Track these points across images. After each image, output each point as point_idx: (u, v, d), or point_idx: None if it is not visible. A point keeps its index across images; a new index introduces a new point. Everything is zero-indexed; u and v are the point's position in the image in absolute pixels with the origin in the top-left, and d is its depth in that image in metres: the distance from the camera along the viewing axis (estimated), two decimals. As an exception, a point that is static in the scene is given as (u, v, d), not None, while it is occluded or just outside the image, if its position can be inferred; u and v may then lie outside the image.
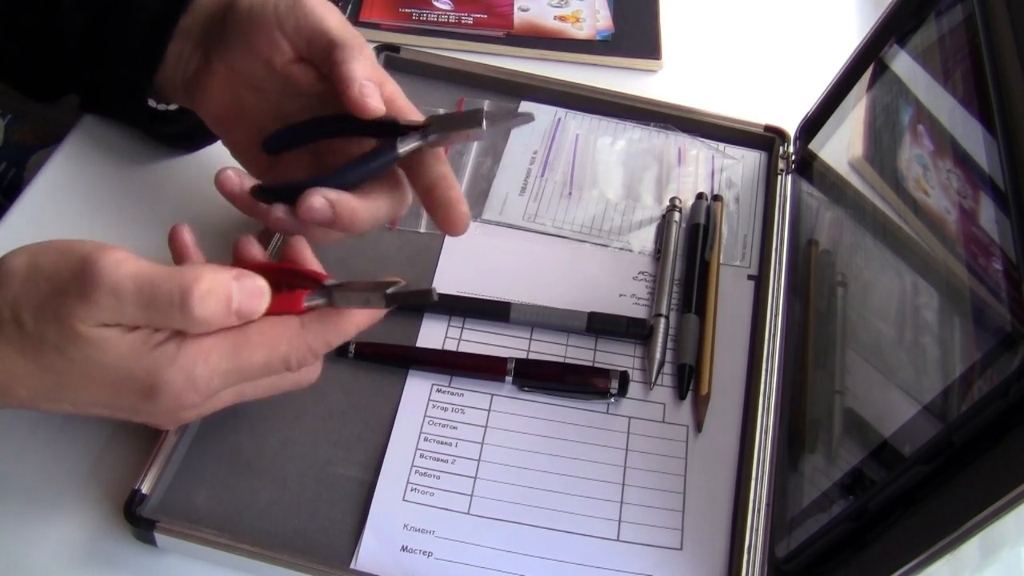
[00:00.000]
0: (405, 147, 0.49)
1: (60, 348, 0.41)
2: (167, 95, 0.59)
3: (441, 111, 0.70)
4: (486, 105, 0.49)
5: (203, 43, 0.55)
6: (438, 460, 0.53)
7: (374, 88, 0.48)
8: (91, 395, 0.43)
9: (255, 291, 0.43)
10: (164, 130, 0.63)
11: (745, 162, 0.70)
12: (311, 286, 0.47)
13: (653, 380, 0.57)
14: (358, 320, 0.46)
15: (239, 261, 0.50)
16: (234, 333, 0.43)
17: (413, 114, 0.52)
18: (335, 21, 0.51)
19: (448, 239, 0.63)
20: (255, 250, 0.50)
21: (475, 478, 0.53)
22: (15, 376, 0.41)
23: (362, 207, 0.48)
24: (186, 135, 0.63)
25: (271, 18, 0.51)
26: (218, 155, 0.58)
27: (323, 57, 0.50)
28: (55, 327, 0.40)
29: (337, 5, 0.78)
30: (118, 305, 0.40)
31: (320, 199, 0.47)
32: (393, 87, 0.53)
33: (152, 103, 0.61)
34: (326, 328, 0.45)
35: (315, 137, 0.53)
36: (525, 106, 0.71)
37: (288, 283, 0.48)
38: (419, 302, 0.47)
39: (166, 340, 0.42)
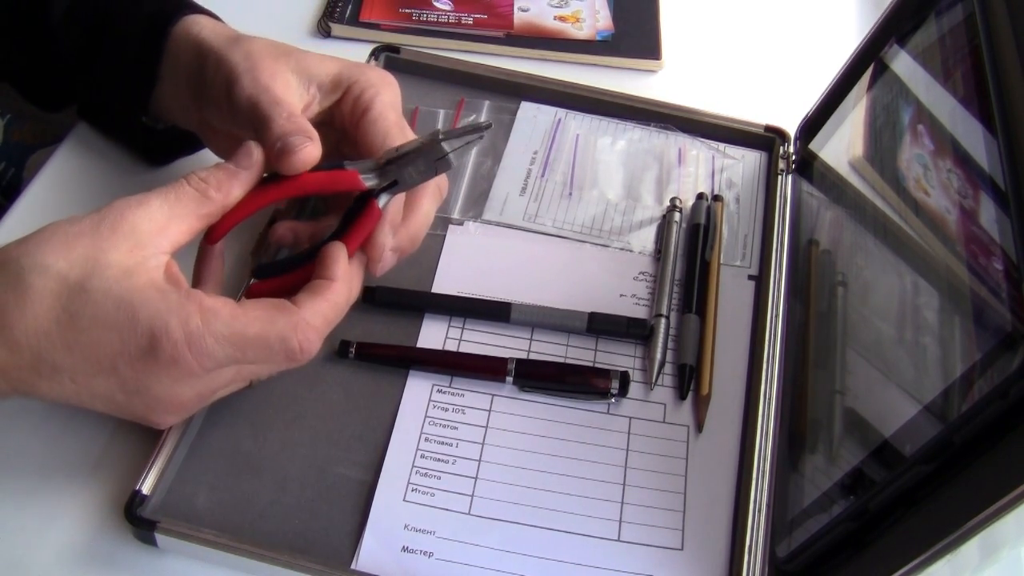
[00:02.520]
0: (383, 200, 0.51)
1: (83, 283, 0.42)
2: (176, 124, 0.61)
3: (440, 112, 0.70)
4: (440, 137, 0.49)
5: (194, 97, 0.56)
6: (439, 460, 0.53)
7: (288, 142, 0.49)
8: (95, 354, 0.42)
9: (242, 146, 0.48)
10: (155, 144, 0.63)
11: (745, 162, 0.70)
12: (349, 185, 0.49)
13: (653, 380, 0.57)
14: (346, 289, 0.48)
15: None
16: (233, 304, 0.45)
17: (386, 123, 0.53)
18: (249, 105, 0.51)
19: (449, 239, 0.63)
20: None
21: (476, 478, 0.53)
22: (23, 333, 0.41)
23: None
24: (176, 148, 0.64)
25: (221, 105, 0.53)
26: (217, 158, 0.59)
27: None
28: (84, 260, 0.42)
29: (336, 7, 0.78)
30: (147, 214, 0.44)
31: (287, 225, 0.55)
32: (375, 92, 0.53)
33: (147, 120, 0.61)
34: (319, 301, 0.47)
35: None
36: (525, 107, 0.72)
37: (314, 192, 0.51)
38: (474, 137, 0.49)
39: (174, 289, 0.44)
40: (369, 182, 0.49)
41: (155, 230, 0.44)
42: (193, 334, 0.43)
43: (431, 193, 0.54)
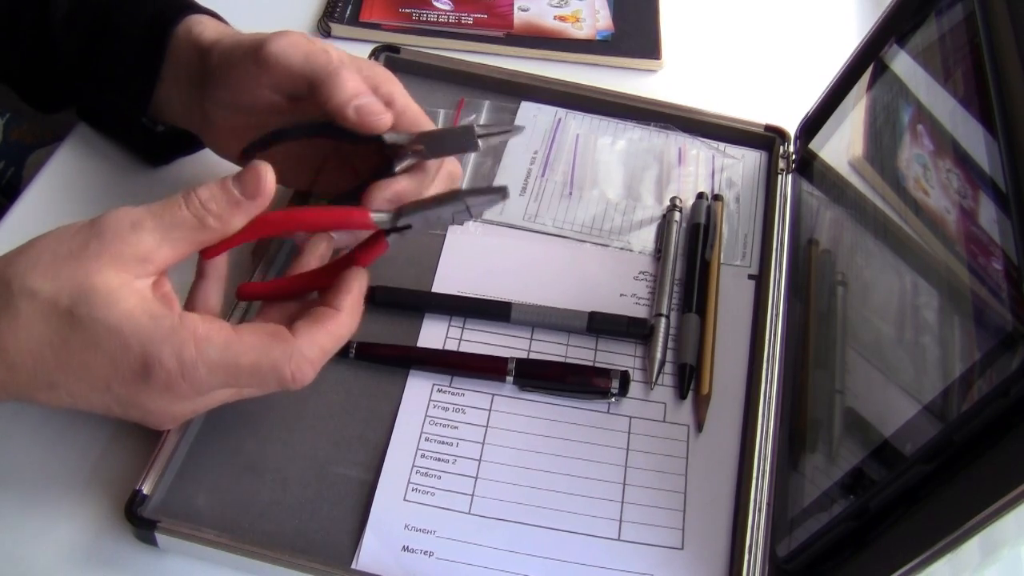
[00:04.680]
0: (400, 166, 0.52)
1: (71, 309, 0.41)
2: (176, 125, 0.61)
3: (440, 112, 0.70)
4: (476, 124, 0.50)
5: (196, 94, 0.56)
6: (439, 460, 0.53)
7: (368, 103, 0.50)
8: (89, 375, 0.42)
9: (251, 171, 0.44)
10: (156, 145, 0.63)
11: (745, 162, 0.70)
12: (358, 224, 0.48)
13: (654, 380, 0.57)
14: (351, 322, 0.47)
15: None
16: (228, 330, 0.44)
17: (414, 112, 0.53)
18: (299, 60, 0.51)
19: (449, 239, 0.63)
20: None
21: (476, 478, 0.53)
22: (18, 354, 0.41)
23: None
24: (176, 149, 0.64)
25: (240, 74, 0.53)
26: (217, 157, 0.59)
27: (309, 94, 0.52)
28: (71, 285, 0.41)
29: (336, 7, 0.78)
30: (137, 236, 0.42)
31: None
32: (392, 87, 0.53)
33: (147, 121, 0.61)
34: (318, 332, 0.46)
35: (297, 137, 0.54)
36: (525, 106, 0.72)
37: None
38: (495, 197, 0.48)
39: (166, 314, 0.43)
40: (381, 222, 0.47)
41: (144, 255, 0.43)
42: (187, 363, 0.42)
43: (452, 164, 0.55)
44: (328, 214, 0.48)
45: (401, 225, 0.47)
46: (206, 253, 0.47)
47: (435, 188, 0.54)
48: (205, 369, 0.43)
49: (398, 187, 0.52)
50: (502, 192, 0.46)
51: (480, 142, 0.50)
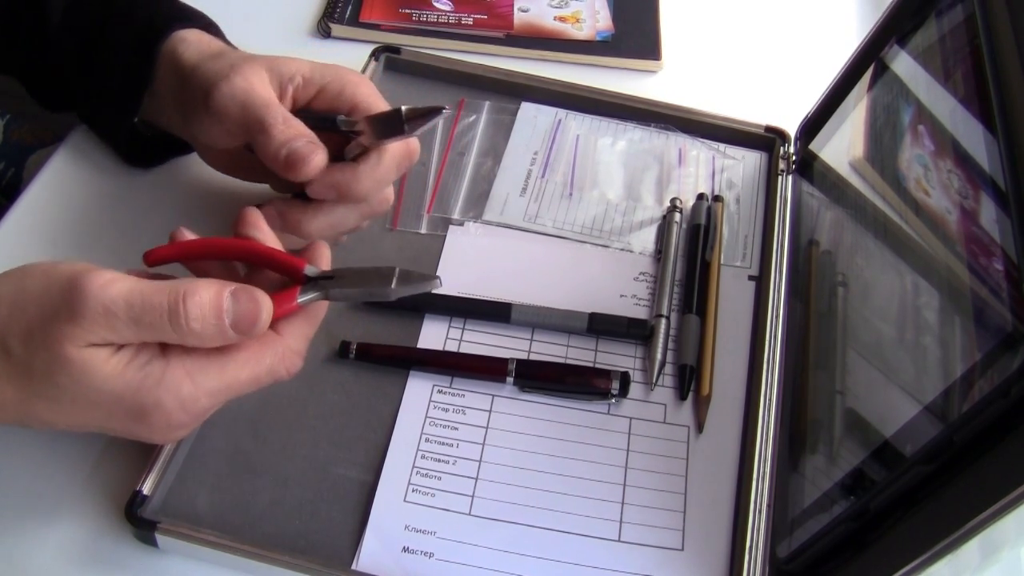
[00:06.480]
0: (351, 155, 0.53)
1: (48, 374, 0.41)
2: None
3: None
4: (403, 107, 0.51)
5: (181, 115, 0.56)
6: (439, 461, 0.53)
7: (294, 151, 0.50)
8: (84, 417, 0.43)
9: (251, 305, 0.43)
10: (148, 151, 0.63)
11: (746, 163, 0.70)
12: (291, 274, 0.47)
13: (654, 381, 0.57)
14: (325, 305, 0.48)
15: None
16: (218, 351, 0.43)
17: (381, 109, 0.54)
18: (237, 112, 0.52)
19: (449, 240, 0.63)
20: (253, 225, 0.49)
21: (476, 479, 0.53)
22: (5, 403, 0.41)
23: (308, 216, 0.53)
24: (169, 153, 0.64)
25: (202, 117, 0.53)
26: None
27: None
28: (44, 353, 0.40)
29: (336, 8, 0.78)
30: (109, 323, 0.40)
31: (270, 210, 0.52)
32: (356, 88, 0.54)
33: (140, 127, 0.61)
34: (300, 325, 0.46)
35: None
36: (525, 107, 0.72)
37: (264, 265, 0.48)
38: (424, 289, 0.47)
39: (151, 360, 0.42)
40: (311, 278, 0.47)
41: (112, 339, 0.41)
42: (186, 400, 0.42)
43: (397, 149, 0.54)
44: (271, 252, 0.48)
45: (323, 285, 0.47)
46: (148, 257, 0.47)
47: (389, 173, 0.54)
48: (207, 398, 0.43)
49: (335, 176, 0.52)
50: (433, 281, 0.47)
51: (408, 127, 0.50)
